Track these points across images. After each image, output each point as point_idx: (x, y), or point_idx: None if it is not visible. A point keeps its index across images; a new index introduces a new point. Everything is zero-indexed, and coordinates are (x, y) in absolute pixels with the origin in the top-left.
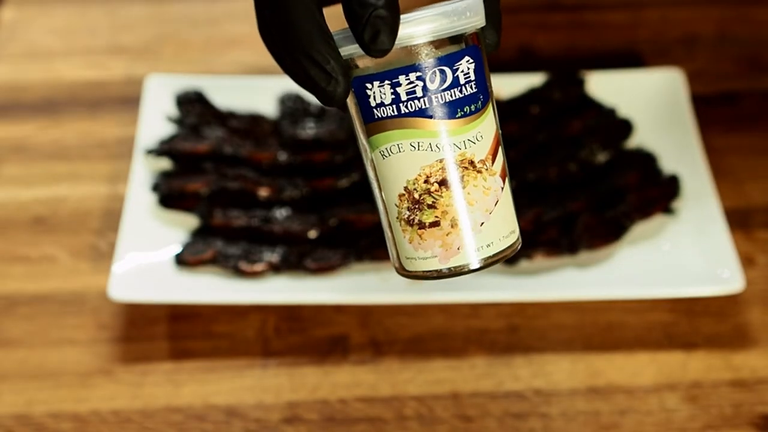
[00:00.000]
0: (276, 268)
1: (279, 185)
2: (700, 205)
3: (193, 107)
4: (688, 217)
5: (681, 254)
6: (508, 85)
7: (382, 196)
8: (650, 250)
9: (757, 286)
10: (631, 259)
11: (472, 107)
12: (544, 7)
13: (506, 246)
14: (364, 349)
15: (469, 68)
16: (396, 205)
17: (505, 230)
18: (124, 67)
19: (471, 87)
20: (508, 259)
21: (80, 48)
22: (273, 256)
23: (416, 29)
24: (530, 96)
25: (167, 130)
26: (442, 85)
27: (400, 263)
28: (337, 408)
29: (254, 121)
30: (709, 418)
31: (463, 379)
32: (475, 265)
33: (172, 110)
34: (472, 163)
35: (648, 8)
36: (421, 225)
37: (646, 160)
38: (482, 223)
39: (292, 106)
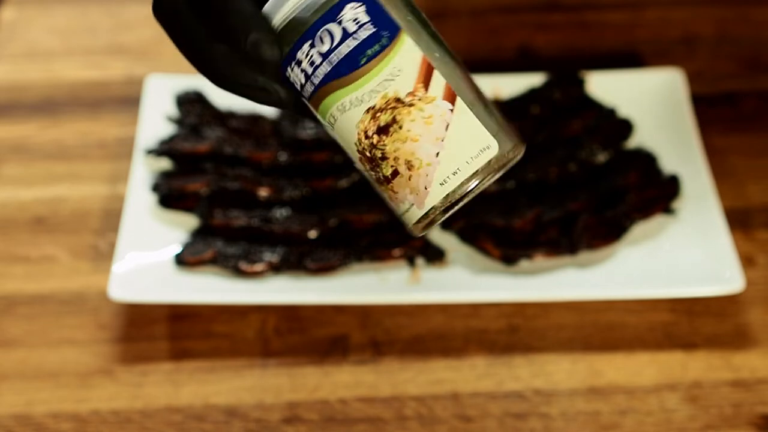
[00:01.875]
0: (276, 268)
1: (279, 185)
2: (700, 205)
3: (193, 107)
4: (688, 217)
5: (681, 254)
6: (508, 85)
7: (355, 166)
8: (650, 250)
9: (757, 286)
10: (631, 259)
11: (376, 47)
12: (544, 7)
13: (481, 165)
14: (364, 349)
15: (357, 13)
16: (364, 171)
17: (473, 150)
18: (124, 67)
19: (366, 29)
20: (508, 259)
21: (80, 48)
22: (273, 256)
23: (288, 3)
24: (530, 96)
25: (167, 130)
26: (333, 42)
27: (404, 223)
28: (337, 408)
29: (254, 121)
30: (709, 418)
31: (463, 379)
32: (456, 194)
33: (172, 110)
34: (398, 100)
35: (648, 8)
36: (387, 179)
37: (646, 160)
38: (437, 153)
39: None
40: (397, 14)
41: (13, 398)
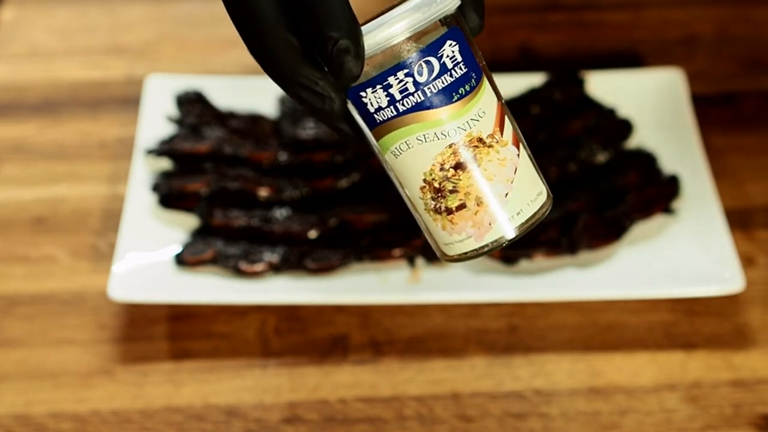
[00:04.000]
0: (276, 268)
1: (279, 185)
2: (700, 205)
3: (193, 107)
4: (688, 217)
5: (681, 254)
6: (508, 85)
7: (406, 192)
8: (650, 250)
9: (757, 286)
10: (631, 259)
11: (467, 87)
12: (544, 7)
13: (536, 209)
14: (364, 349)
15: (453, 51)
16: (420, 198)
17: (532, 194)
18: (124, 67)
19: (460, 68)
20: (508, 259)
21: (80, 48)
22: (273, 256)
23: (392, 30)
24: (530, 96)
25: (167, 130)
26: (431, 75)
27: (441, 251)
28: (337, 408)
29: (254, 121)
30: (709, 418)
31: (463, 379)
32: (511, 235)
33: (172, 110)
34: (480, 140)
35: (648, 8)
36: (449, 211)
37: (646, 160)
38: (507, 194)
39: (292, 106)
40: (478, 58)
41: (13, 398)
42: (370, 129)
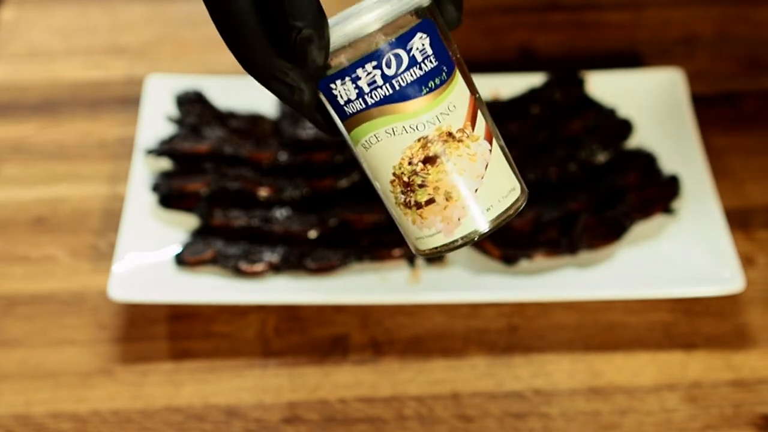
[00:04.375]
0: (276, 268)
1: (279, 185)
2: (700, 205)
3: (193, 107)
4: (688, 217)
5: (681, 254)
6: (508, 85)
7: (377, 186)
8: (650, 250)
9: (757, 286)
10: (631, 259)
11: (437, 80)
12: (544, 7)
13: (508, 205)
14: (364, 349)
15: (424, 44)
16: (391, 191)
17: (504, 190)
18: (124, 67)
19: (430, 61)
20: (508, 259)
21: (80, 48)
22: (273, 256)
23: (361, 21)
24: (530, 96)
25: (167, 130)
26: (400, 67)
27: (414, 245)
28: (337, 408)
29: (254, 121)
30: (709, 418)
31: (463, 379)
32: (482, 230)
33: (172, 110)
34: (450, 134)
35: (648, 8)
36: (418, 205)
37: (646, 160)
38: (477, 189)
39: None
40: (451, 51)
41: (13, 398)
42: (342, 121)
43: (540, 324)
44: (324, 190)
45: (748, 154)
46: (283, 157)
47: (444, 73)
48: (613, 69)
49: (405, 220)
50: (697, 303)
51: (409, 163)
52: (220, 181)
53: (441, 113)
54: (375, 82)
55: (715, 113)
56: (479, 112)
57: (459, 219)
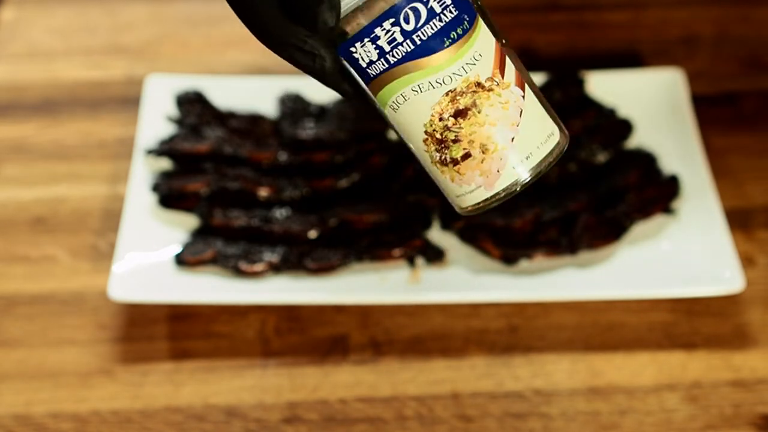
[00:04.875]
0: (276, 268)
1: (279, 185)
2: (700, 205)
3: (193, 107)
4: (688, 217)
5: (681, 254)
6: None
7: (411, 147)
8: (650, 250)
9: (757, 286)
10: (631, 259)
11: (459, 31)
12: (544, 7)
13: (547, 151)
14: (364, 349)
15: None
16: (425, 151)
17: (542, 136)
18: (124, 67)
19: (450, 11)
20: (508, 259)
21: (80, 48)
22: (273, 256)
23: None
24: None
25: (167, 130)
26: (419, 21)
27: (456, 203)
28: (337, 408)
29: (254, 121)
30: (709, 418)
31: (463, 379)
32: (523, 179)
33: (172, 110)
34: (479, 84)
35: (648, 8)
36: (455, 161)
37: (646, 160)
38: (512, 138)
39: (292, 106)
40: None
41: (13, 398)
42: (367, 85)
43: (540, 324)
44: (324, 190)
45: (748, 154)
46: (283, 157)
47: (466, 22)
48: (613, 69)
49: (443, 178)
50: (697, 303)
51: (440, 119)
52: (220, 181)
53: (467, 64)
54: (395, 39)
55: (715, 113)
56: (507, 59)
57: (498, 171)
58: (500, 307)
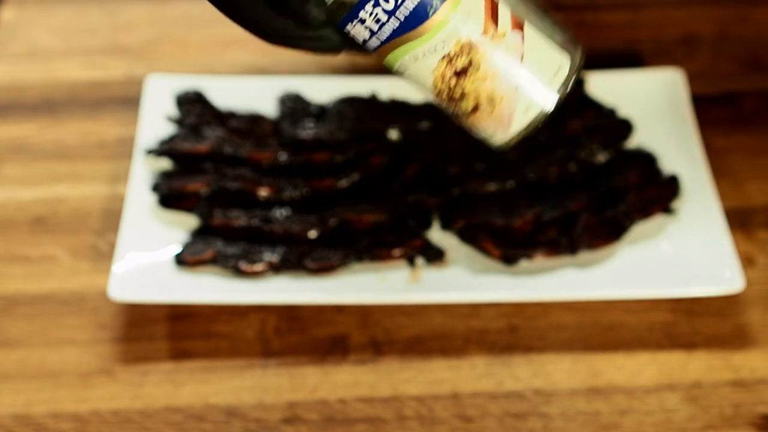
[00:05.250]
0: (276, 268)
1: (279, 185)
2: (700, 205)
3: (193, 107)
4: (688, 217)
5: (681, 254)
6: None
7: (433, 98)
8: (650, 250)
9: (757, 286)
10: (631, 259)
11: None
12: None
13: (561, 82)
14: (364, 349)
15: None
16: (445, 102)
17: (549, 72)
18: (124, 67)
19: None
20: (508, 259)
21: (80, 48)
22: (273, 256)
23: None
24: None
25: (167, 130)
26: None
27: (488, 141)
28: (337, 408)
29: (254, 121)
30: (709, 418)
31: (463, 379)
32: (548, 109)
33: (172, 110)
34: (472, 42)
35: (648, 8)
36: (467, 114)
37: (646, 160)
38: (517, 86)
39: (292, 106)
40: None
41: (13, 398)
42: (375, 53)
43: (540, 324)
44: (324, 190)
45: (748, 154)
46: (283, 157)
47: None
48: (613, 69)
49: (467, 124)
50: (697, 303)
51: (443, 81)
52: (220, 181)
53: (455, 26)
54: (380, 19)
55: (715, 113)
56: (500, 5)
57: (510, 116)
58: (500, 307)
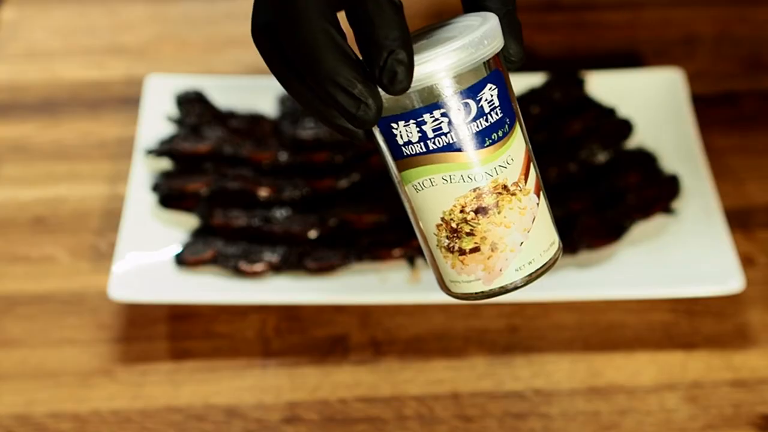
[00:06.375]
0: (276, 268)
1: (279, 185)
2: (700, 205)
3: (193, 107)
4: (688, 217)
5: (681, 254)
6: None
7: (420, 225)
8: (650, 250)
9: (757, 286)
10: (631, 259)
11: (500, 133)
12: (543, 7)
13: (547, 260)
14: (364, 349)
15: (492, 95)
16: (435, 234)
17: (545, 244)
18: (124, 67)
19: (497, 113)
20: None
21: (80, 48)
22: (273, 256)
23: (435, 67)
24: (530, 96)
25: (167, 130)
26: (468, 117)
27: (446, 286)
28: (337, 408)
29: (254, 121)
30: (709, 418)
31: (463, 379)
32: (520, 284)
33: (172, 110)
34: (505, 187)
35: (648, 8)
36: (462, 252)
37: (646, 160)
38: (521, 243)
39: (292, 106)
40: (515, 103)
41: (13, 398)
42: (395, 160)
43: (540, 324)
44: (324, 190)
45: (748, 154)
46: (283, 157)
47: (507, 125)
48: (613, 69)
49: (443, 262)
50: (697, 303)
51: (461, 212)
52: (220, 181)
53: (499, 165)
54: (441, 129)
55: (715, 113)
56: (531, 165)
57: (500, 270)
58: (500, 307)
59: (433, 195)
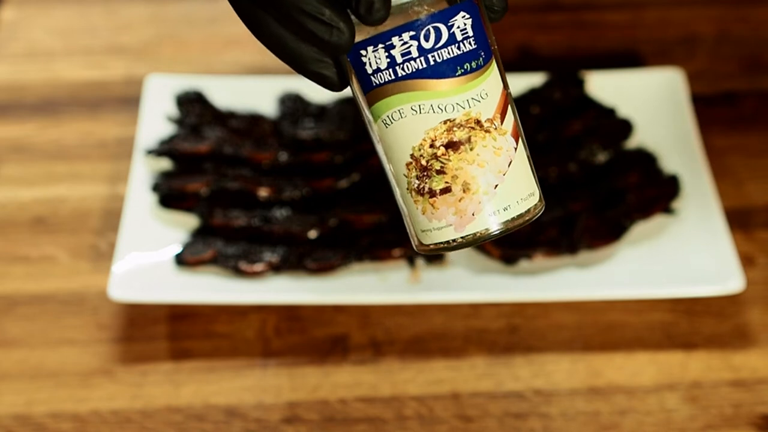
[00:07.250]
0: (276, 268)
1: (279, 185)
2: (700, 205)
3: (193, 107)
4: (688, 217)
5: (681, 254)
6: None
7: (390, 168)
8: (650, 250)
9: (757, 286)
10: (631, 259)
11: (473, 64)
12: (543, 7)
13: (525, 209)
14: (364, 349)
15: (465, 23)
16: (405, 175)
17: (523, 192)
18: (124, 67)
19: (470, 43)
20: (508, 259)
21: (80, 48)
22: (273, 256)
23: None
24: (530, 96)
25: (167, 130)
26: (438, 42)
27: (417, 239)
28: (337, 408)
29: (254, 121)
30: (709, 418)
31: (463, 379)
32: (494, 229)
33: (172, 110)
34: (478, 122)
35: (648, 8)
36: (432, 193)
37: (646, 160)
38: (496, 186)
39: (292, 106)
40: (492, 41)
41: (13, 398)
42: (365, 92)
43: (540, 324)
44: (324, 190)
45: (748, 154)
46: (283, 157)
47: (481, 59)
48: (613, 69)
49: (414, 208)
50: (697, 303)
51: (431, 146)
52: (220, 181)
53: (472, 98)
54: (410, 53)
55: (715, 113)
56: (509, 108)
57: (473, 214)
58: (500, 307)
59: (402, 128)
